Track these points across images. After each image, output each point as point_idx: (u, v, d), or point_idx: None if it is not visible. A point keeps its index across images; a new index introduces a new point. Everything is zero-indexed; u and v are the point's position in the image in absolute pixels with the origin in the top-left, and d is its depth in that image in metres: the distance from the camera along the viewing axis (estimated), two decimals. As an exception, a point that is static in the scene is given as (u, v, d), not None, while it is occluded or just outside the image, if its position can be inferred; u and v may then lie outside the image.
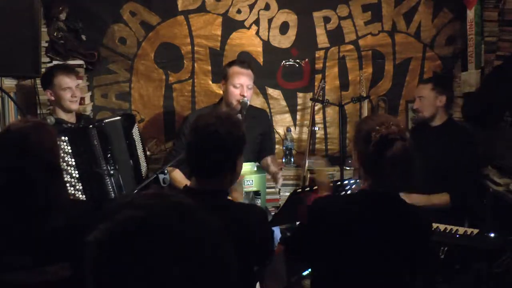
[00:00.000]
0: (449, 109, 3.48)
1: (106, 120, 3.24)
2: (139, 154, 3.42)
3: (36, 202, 1.89)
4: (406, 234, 1.97)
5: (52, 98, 3.23)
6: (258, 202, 3.05)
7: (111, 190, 3.19)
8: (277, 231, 3.18)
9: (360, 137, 1.98)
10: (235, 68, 3.20)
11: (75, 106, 3.28)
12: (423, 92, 3.38)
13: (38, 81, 3.48)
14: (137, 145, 3.43)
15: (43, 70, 3.51)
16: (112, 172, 3.19)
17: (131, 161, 3.34)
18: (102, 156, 3.17)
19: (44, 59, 3.60)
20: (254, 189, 3.08)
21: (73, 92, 3.24)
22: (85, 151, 3.14)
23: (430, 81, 3.45)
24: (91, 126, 3.15)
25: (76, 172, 3.14)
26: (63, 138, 3.10)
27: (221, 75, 3.48)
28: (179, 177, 3.24)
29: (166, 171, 2.67)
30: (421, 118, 3.42)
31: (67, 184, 3.13)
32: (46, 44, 3.63)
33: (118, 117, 3.32)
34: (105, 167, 3.18)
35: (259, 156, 3.43)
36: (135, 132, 3.45)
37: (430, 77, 3.66)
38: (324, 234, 1.97)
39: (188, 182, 2.89)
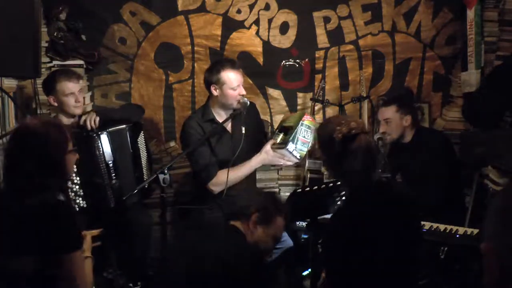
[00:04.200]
0: (416, 125, 3.51)
1: (111, 129, 3.22)
2: (143, 163, 3.41)
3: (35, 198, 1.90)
4: (399, 215, 2.04)
5: (55, 104, 3.21)
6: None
7: (111, 199, 3.19)
8: (289, 241, 3.18)
9: (324, 142, 2.08)
10: (230, 72, 3.13)
11: (79, 111, 3.26)
12: (388, 114, 3.41)
13: (38, 81, 3.48)
14: (141, 153, 3.42)
15: (43, 70, 3.51)
16: (113, 181, 3.18)
17: (134, 170, 3.34)
18: (104, 166, 3.17)
19: (44, 59, 3.60)
20: (291, 123, 3.10)
21: (77, 98, 3.21)
22: (87, 160, 3.13)
23: (393, 102, 3.46)
24: (94, 135, 3.14)
25: (78, 178, 3.13)
26: None
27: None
28: (225, 175, 3.09)
29: (166, 171, 2.67)
30: (390, 141, 3.45)
31: (69, 190, 3.14)
32: (46, 44, 3.64)
33: (124, 126, 3.31)
34: (106, 177, 3.17)
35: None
36: (141, 140, 3.44)
37: (392, 98, 3.62)
38: (343, 247, 1.99)
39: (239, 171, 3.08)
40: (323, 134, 2.11)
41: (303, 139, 3.06)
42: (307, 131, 3.09)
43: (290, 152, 3.02)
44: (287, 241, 3.15)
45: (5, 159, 1.99)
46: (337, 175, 2.16)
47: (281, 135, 3.11)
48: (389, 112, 3.42)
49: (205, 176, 3.10)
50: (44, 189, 1.92)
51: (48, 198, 1.92)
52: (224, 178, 3.07)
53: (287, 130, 3.09)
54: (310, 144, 3.10)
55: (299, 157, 3.08)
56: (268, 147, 3.09)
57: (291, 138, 3.01)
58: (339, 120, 2.07)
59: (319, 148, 2.16)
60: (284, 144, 3.03)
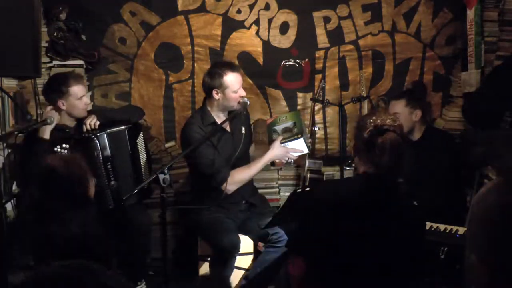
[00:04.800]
0: (426, 120, 3.50)
1: (109, 130, 3.23)
2: (142, 164, 3.42)
3: (63, 231, 1.97)
4: (401, 212, 2.05)
5: (64, 108, 3.20)
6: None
7: (110, 200, 3.20)
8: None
9: (357, 128, 2.12)
10: (231, 75, 3.12)
11: (85, 113, 3.27)
12: (397, 108, 3.40)
13: (38, 81, 3.49)
14: (140, 154, 3.43)
15: (43, 70, 3.51)
16: (112, 183, 3.19)
17: (133, 171, 3.35)
18: (102, 168, 3.18)
19: (44, 59, 3.60)
20: (290, 121, 3.23)
21: (86, 100, 3.26)
22: (86, 161, 3.14)
23: (403, 97, 3.44)
24: (93, 136, 3.15)
25: None
26: (64, 145, 3.11)
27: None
28: (240, 173, 3.17)
29: (166, 171, 2.67)
30: None
31: None
32: (46, 44, 3.64)
33: (123, 127, 3.31)
34: (105, 178, 3.18)
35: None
36: (140, 141, 3.45)
37: (403, 92, 3.59)
38: (328, 222, 1.99)
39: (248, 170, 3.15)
40: (361, 120, 2.14)
41: (305, 133, 3.24)
42: (304, 125, 3.31)
43: (305, 142, 3.14)
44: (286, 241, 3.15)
45: (32, 198, 2.09)
46: (357, 162, 2.19)
47: (285, 132, 3.20)
48: (398, 107, 3.40)
49: (220, 178, 3.09)
50: (69, 219, 2.04)
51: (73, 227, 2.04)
52: (238, 178, 3.12)
53: (287, 128, 3.19)
54: (308, 138, 3.34)
55: (308, 147, 3.21)
56: (278, 142, 3.14)
57: (302, 130, 3.16)
58: (381, 114, 2.09)
59: (353, 133, 2.20)
60: (292, 138, 3.16)
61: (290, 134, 3.17)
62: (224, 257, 3.05)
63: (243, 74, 3.50)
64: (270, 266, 3.13)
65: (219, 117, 3.22)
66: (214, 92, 3.13)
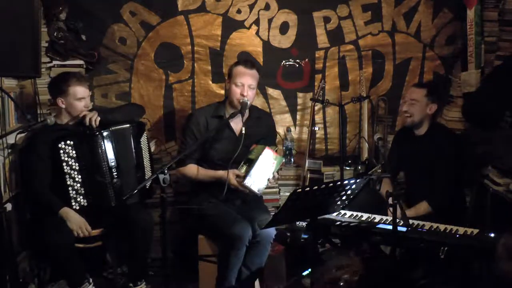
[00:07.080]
0: (435, 118, 3.49)
1: (113, 128, 3.23)
2: (145, 163, 3.42)
3: None
4: None
5: (63, 106, 3.20)
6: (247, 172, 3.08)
7: (113, 197, 3.20)
8: (271, 230, 3.19)
9: None
10: (239, 68, 3.26)
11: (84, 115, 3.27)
12: (416, 95, 3.37)
13: (38, 81, 3.48)
14: (144, 153, 3.43)
15: (43, 70, 3.51)
16: (115, 180, 3.20)
17: (136, 170, 3.35)
18: (106, 165, 3.18)
19: (44, 59, 3.59)
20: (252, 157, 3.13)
21: (86, 102, 3.23)
22: (89, 158, 3.15)
23: (425, 86, 3.43)
24: (97, 133, 3.15)
25: (79, 176, 3.14)
26: (68, 142, 3.11)
27: (221, 75, 3.79)
28: (190, 171, 3.32)
29: (166, 171, 2.67)
30: (409, 123, 3.43)
31: (70, 188, 3.14)
32: (46, 44, 3.63)
33: (128, 125, 3.32)
34: (108, 176, 3.19)
35: None
36: (144, 140, 3.46)
37: (426, 83, 3.59)
38: None
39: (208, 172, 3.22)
40: None
41: (262, 174, 3.09)
42: (267, 164, 3.10)
43: (248, 187, 3.06)
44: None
45: None
46: None
47: (245, 167, 3.13)
48: (418, 94, 3.37)
49: (179, 162, 3.25)
50: None
51: None
52: (189, 172, 3.30)
53: (251, 162, 3.11)
54: (270, 178, 3.13)
55: (257, 191, 3.11)
56: (232, 174, 3.11)
57: (248, 173, 3.05)
58: None
59: None
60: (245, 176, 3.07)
61: (245, 170, 3.09)
62: (236, 245, 3.03)
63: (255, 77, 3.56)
64: (255, 261, 3.15)
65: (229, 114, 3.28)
66: (226, 82, 3.38)
